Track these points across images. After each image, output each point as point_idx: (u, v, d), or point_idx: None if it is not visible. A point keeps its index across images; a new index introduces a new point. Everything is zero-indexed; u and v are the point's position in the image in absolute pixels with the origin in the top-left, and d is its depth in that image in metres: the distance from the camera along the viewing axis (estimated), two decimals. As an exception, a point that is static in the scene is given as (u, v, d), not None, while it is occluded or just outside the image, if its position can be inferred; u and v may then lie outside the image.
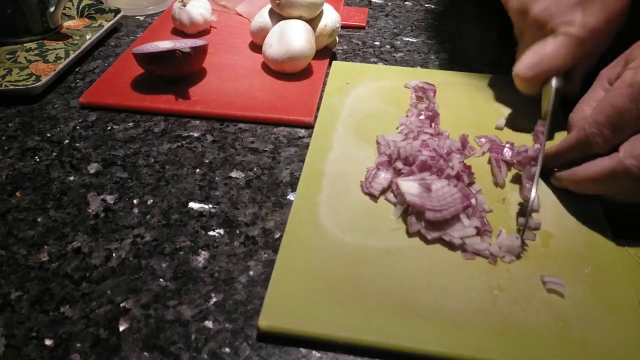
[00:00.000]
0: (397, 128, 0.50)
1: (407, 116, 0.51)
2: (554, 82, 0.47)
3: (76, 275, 0.37)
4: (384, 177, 0.43)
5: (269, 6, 0.62)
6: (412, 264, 0.37)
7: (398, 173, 0.44)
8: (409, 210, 0.40)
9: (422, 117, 0.50)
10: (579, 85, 0.49)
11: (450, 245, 0.38)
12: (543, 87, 0.48)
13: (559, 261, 0.38)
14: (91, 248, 0.39)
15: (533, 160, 0.43)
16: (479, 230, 0.39)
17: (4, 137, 0.50)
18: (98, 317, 0.34)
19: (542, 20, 0.46)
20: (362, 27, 0.71)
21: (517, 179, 0.45)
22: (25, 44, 0.64)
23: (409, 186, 0.40)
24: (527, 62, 0.47)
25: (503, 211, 0.42)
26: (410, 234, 0.39)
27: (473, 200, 0.40)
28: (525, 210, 0.40)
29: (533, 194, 0.40)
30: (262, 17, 0.61)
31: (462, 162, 0.44)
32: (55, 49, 0.63)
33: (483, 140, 0.49)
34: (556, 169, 0.43)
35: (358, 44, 0.68)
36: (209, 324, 0.34)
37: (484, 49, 0.59)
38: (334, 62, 0.61)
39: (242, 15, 0.72)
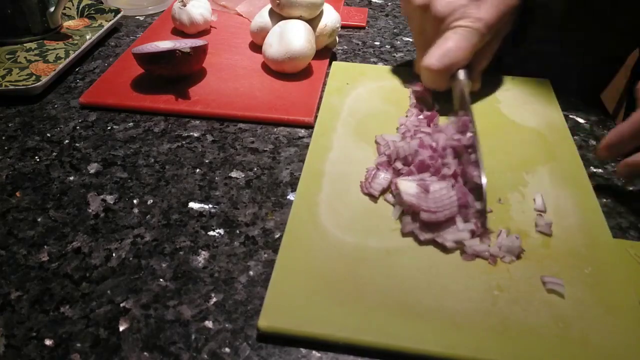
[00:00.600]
0: (397, 128, 0.50)
1: (406, 116, 0.51)
2: (461, 74, 0.50)
3: (76, 275, 0.37)
4: (384, 177, 0.43)
5: (269, 6, 0.62)
6: (412, 264, 0.37)
7: (398, 173, 0.44)
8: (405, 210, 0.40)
9: (421, 117, 0.50)
10: (478, 83, 0.53)
11: (443, 248, 0.38)
12: (452, 81, 0.51)
13: (559, 261, 0.38)
14: (91, 248, 0.39)
15: (469, 148, 0.43)
16: (473, 234, 0.39)
17: (4, 137, 0.50)
18: (98, 317, 0.34)
19: (444, 14, 0.49)
20: (362, 27, 0.71)
21: (516, 179, 0.45)
22: (25, 44, 0.64)
23: (407, 186, 0.40)
24: (435, 55, 0.49)
25: (503, 211, 0.42)
26: (404, 234, 0.39)
27: (470, 200, 0.40)
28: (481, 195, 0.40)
29: (484, 180, 0.40)
30: (262, 17, 0.61)
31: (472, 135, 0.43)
32: (55, 49, 0.63)
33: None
34: (619, 159, 0.43)
35: (358, 44, 0.68)
36: (209, 324, 0.34)
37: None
38: (334, 62, 0.61)
39: (242, 15, 0.72)
